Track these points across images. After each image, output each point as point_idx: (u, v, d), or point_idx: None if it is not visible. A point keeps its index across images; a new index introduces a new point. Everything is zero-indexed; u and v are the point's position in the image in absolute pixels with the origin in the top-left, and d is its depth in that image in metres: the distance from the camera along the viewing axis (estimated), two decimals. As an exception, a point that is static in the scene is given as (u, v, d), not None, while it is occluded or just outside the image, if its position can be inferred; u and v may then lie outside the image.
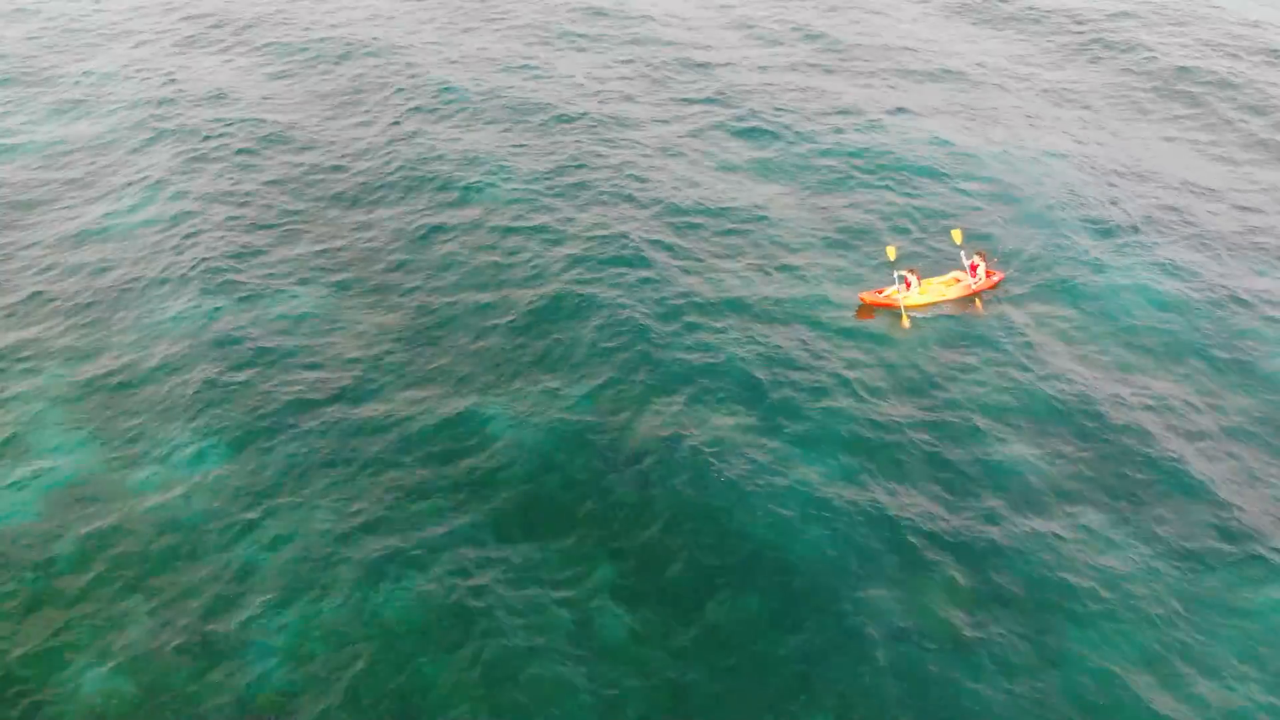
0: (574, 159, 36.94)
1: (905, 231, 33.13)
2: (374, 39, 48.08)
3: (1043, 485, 23.51)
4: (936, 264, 31.20)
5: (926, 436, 24.71)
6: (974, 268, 29.87)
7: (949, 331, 28.73)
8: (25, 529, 22.78)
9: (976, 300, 29.64)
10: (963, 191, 35.20)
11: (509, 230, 32.92)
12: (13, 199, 35.94)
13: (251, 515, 22.91)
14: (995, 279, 30.15)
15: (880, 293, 29.69)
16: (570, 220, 33.34)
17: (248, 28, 50.54)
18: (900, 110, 40.71)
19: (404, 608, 20.78)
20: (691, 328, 28.30)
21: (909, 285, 29.56)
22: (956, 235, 30.51)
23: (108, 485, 23.84)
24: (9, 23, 51.87)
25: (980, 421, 25.20)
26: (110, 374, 27.17)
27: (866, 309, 29.54)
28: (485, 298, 29.84)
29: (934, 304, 29.74)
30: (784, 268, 31.18)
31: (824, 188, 35.62)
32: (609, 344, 27.68)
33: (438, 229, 33.16)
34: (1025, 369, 26.96)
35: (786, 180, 36.19)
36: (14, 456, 24.69)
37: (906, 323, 28.83)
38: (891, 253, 29.90)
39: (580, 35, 48.58)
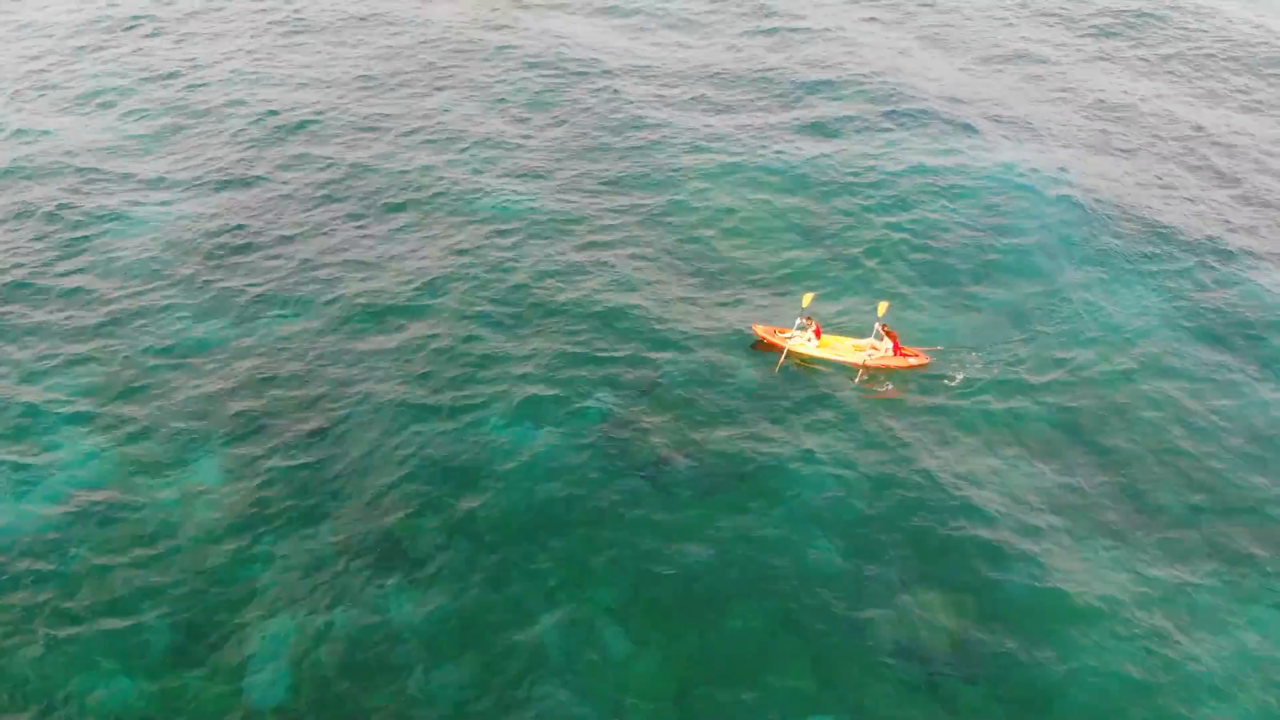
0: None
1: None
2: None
3: (1033, 511, 23.76)
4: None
5: (918, 463, 24.88)
6: (882, 338, 27.45)
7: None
8: (39, 539, 23.06)
9: (880, 370, 27.75)
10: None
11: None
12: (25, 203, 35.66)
13: (262, 527, 23.08)
14: (913, 360, 27.35)
15: (777, 331, 28.16)
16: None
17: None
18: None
19: (409, 617, 21.04)
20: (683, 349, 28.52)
21: (819, 333, 27.76)
22: (882, 306, 28.54)
23: (122, 496, 24.05)
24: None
25: (968, 453, 25.32)
26: (125, 386, 27.37)
27: (762, 343, 28.19)
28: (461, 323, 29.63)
29: (829, 360, 27.94)
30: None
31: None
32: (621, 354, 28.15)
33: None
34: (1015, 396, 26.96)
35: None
36: (27, 463, 24.97)
37: (778, 370, 27.68)
38: (807, 299, 28.82)
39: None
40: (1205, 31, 47.92)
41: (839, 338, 28.39)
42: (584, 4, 50.56)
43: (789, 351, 27.87)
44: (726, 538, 22.62)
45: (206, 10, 49.92)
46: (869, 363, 27.63)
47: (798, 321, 28.21)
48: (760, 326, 28.60)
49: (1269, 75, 44.31)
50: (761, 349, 28.27)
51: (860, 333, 28.57)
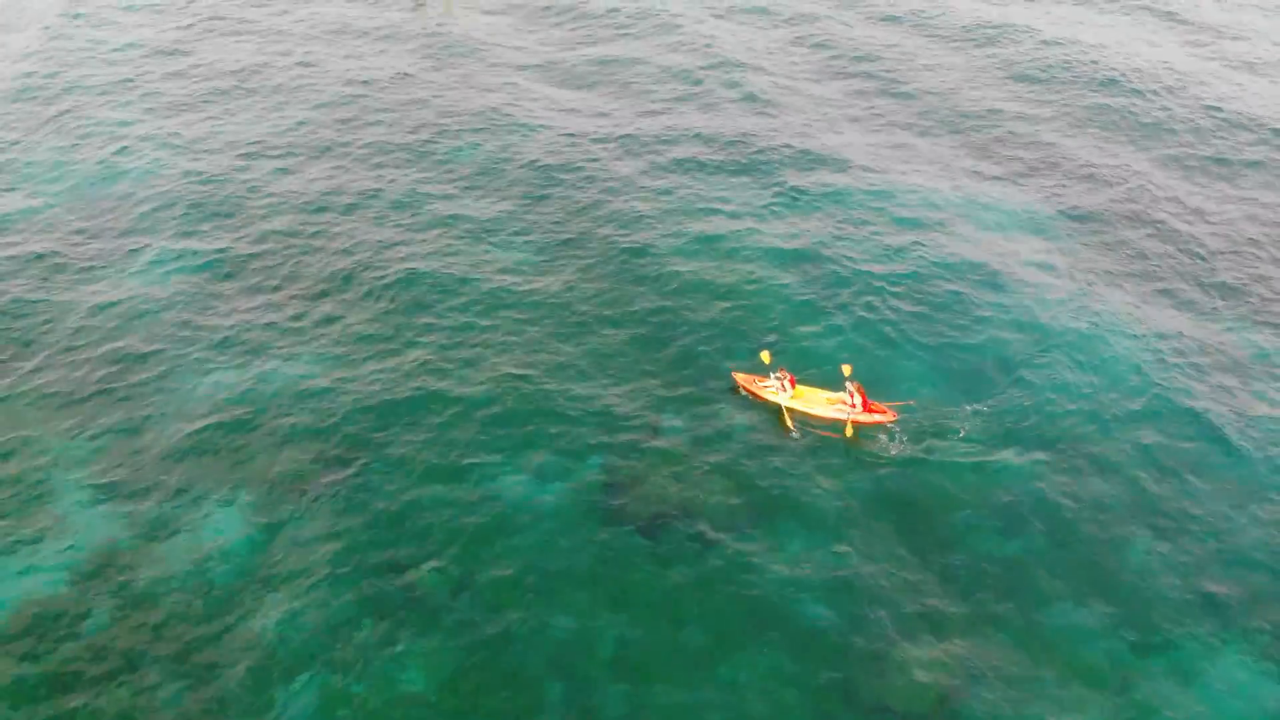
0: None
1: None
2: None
3: (1008, 573, 25.26)
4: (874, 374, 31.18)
5: (903, 521, 26.34)
6: (852, 395, 28.64)
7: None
8: (55, 603, 23.89)
9: (848, 428, 28.90)
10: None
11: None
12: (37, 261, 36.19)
13: (278, 587, 24.07)
14: (878, 417, 28.58)
15: (756, 380, 29.40)
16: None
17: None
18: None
19: (421, 679, 22.09)
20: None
21: (793, 383, 29.07)
22: (846, 369, 29.85)
23: (134, 557, 24.95)
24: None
25: (942, 510, 26.80)
26: (135, 444, 28.28)
27: (738, 390, 29.56)
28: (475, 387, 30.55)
29: (807, 414, 29.16)
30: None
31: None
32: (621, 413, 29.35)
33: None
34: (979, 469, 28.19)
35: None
36: (43, 531, 25.71)
37: (790, 426, 29.05)
38: (766, 357, 30.21)
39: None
40: (1183, 103, 48.84)
41: (812, 389, 29.74)
42: (548, 65, 51.40)
43: (784, 409, 29.20)
44: (721, 596, 23.97)
45: (162, 74, 50.42)
46: (830, 416, 29.03)
47: (773, 375, 29.58)
48: (739, 374, 29.97)
49: (1247, 147, 45.42)
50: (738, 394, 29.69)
51: (831, 385, 29.87)
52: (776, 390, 29.33)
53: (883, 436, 28.52)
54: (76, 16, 56.03)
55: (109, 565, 24.71)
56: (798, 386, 29.50)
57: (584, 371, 30.61)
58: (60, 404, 29.70)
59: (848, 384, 29.16)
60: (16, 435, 28.56)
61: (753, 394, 29.63)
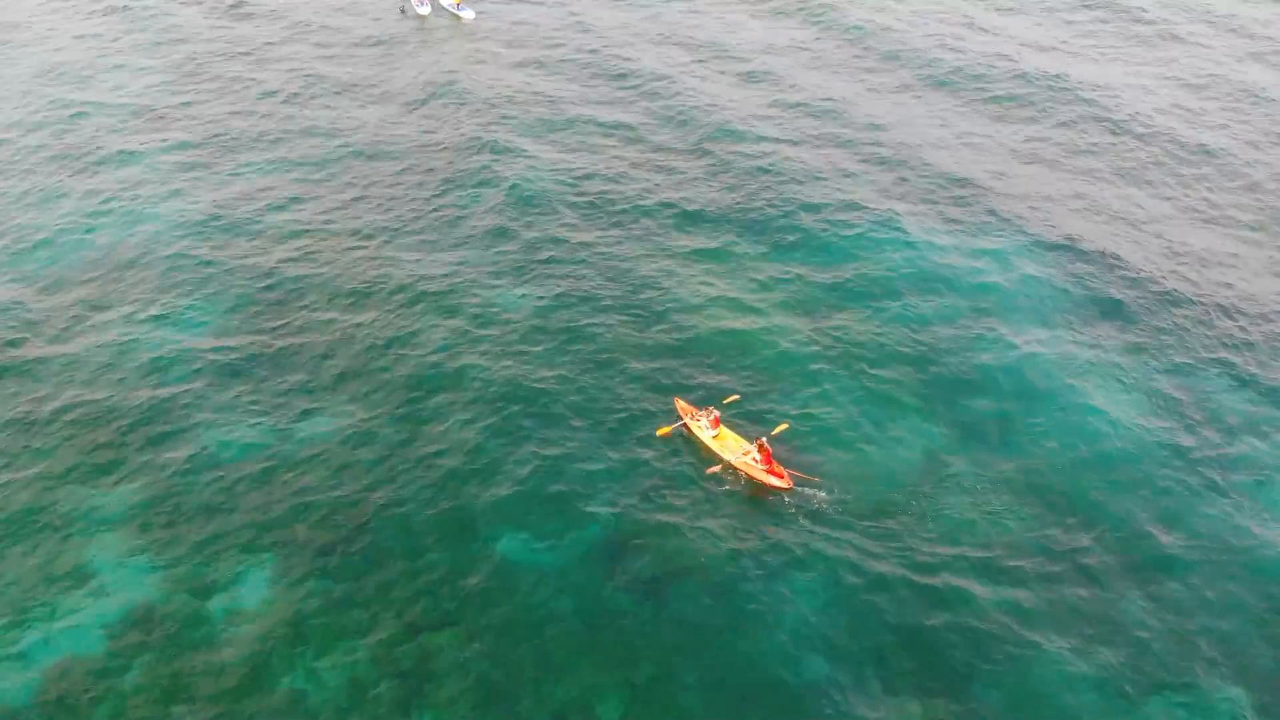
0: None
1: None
2: None
3: (1004, 614, 27.75)
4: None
5: (895, 577, 28.73)
6: (756, 451, 32.96)
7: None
8: (85, 662, 25.48)
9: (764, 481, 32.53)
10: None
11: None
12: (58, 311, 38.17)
13: (296, 645, 25.89)
14: (776, 480, 32.69)
15: (692, 412, 34.28)
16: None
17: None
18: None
19: None
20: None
21: (716, 424, 33.86)
22: (780, 427, 33.58)
23: (166, 616, 26.63)
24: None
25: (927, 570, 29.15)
26: (162, 503, 29.92)
27: (677, 417, 34.37)
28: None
29: (718, 455, 33.52)
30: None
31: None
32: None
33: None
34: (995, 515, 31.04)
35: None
36: (78, 588, 27.27)
37: (707, 455, 33.17)
38: (725, 401, 34.35)
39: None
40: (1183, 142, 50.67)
41: (733, 436, 33.81)
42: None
43: (701, 441, 33.37)
44: (722, 659, 26.22)
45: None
46: (734, 462, 32.80)
47: (703, 411, 34.02)
48: (680, 402, 34.74)
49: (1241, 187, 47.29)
50: (668, 426, 33.91)
51: (786, 441, 33.27)
52: (703, 426, 34.40)
53: (879, 497, 30.96)
54: None
55: (141, 623, 26.62)
56: (720, 428, 34.19)
57: (586, 434, 33.23)
58: (90, 463, 31.76)
59: (762, 438, 33.13)
60: (50, 492, 30.64)
61: (684, 423, 34.34)
